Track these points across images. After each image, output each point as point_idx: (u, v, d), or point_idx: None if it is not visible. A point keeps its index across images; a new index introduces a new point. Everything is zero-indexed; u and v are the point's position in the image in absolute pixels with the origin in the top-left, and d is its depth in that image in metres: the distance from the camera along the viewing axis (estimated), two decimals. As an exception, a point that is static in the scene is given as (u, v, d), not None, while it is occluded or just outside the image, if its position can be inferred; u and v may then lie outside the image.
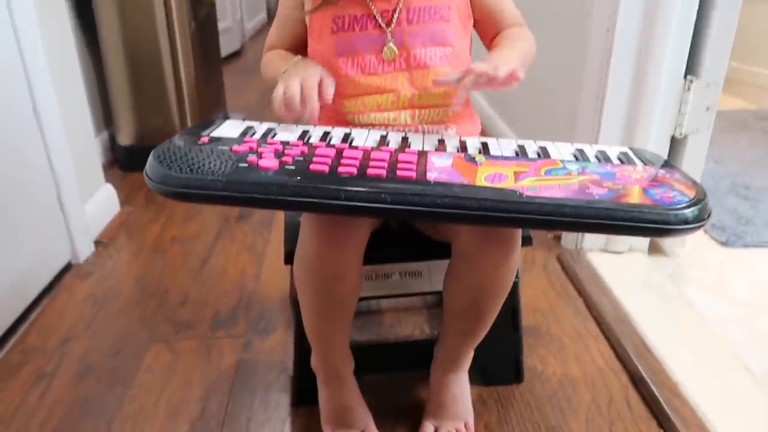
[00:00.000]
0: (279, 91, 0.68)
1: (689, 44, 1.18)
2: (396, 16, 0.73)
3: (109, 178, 1.60)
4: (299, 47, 0.82)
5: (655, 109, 1.20)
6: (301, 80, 0.68)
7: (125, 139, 1.86)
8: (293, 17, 0.81)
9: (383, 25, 0.73)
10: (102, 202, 1.51)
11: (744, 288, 1.22)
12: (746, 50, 2.54)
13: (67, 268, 1.31)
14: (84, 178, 1.41)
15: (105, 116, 1.93)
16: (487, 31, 0.82)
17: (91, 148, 1.52)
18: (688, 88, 1.20)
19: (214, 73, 2.22)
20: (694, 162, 1.27)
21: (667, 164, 0.67)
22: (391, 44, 0.73)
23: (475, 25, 0.81)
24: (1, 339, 1.07)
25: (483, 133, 0.83)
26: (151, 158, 0.61)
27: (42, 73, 1.22)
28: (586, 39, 1.27)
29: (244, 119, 0.78)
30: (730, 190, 1.64)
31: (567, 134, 1.40)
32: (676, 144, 1.26)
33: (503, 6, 0.81)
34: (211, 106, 2.12)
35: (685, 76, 1.20)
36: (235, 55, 3.86)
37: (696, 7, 1.14)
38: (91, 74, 1.84)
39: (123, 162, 1.89)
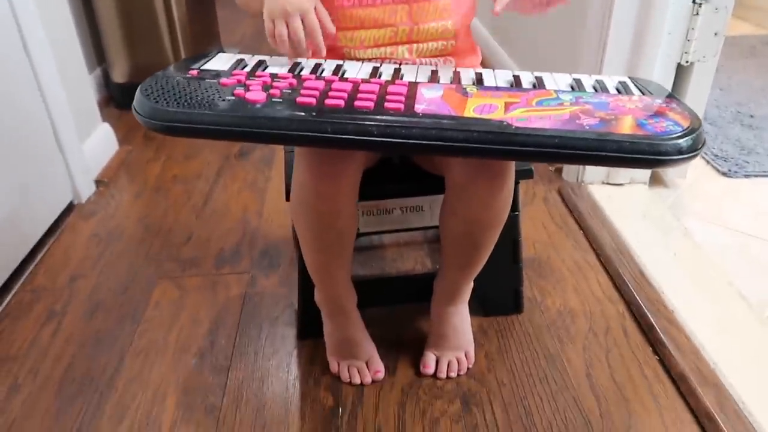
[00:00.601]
0: (281, 32, 0.64)
1: (699, -34, 1.13)
2: None
3: (105, 117, 1.58)
4: None
5: (662, 34, 1.17)
6: (300, 14, 0.64)
7: (119, 76, 1.82)
8: None
9: None
10: (100, 141, 1.50)
11: (744, 218, 1.23)
12: (759, -29, 2.44)
13: (70, 208, 1.32)
14: (80, 118, 1.39)
15: (97, 53, 1.88)
16: None
17: (86, 87, 1.49)
18: (697, 13, 1.16)
19: (206, 6, 2.14)
20: (699, 90, 1.25)
21: (669, 95, 0.66)
22: None
23: None
24: (10, 279, 1.09)
25: (483, 64, 0.81)
26: (138, 92, 0.60)
27: (31, 11, 1.18)
28: (592, -38, 1.22)
29: (239, 53, 0.76)
30: (734, 119, 1.62)
31: (570, 59, 1.36)
32: (681, 71, 1.23)
33: None
34: (205, 40, 2.06)
35: (693, 1, 1.16)
36: (228, -15, 3.72)
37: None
38: (80, 10, 1.78)
39: (118, 100, 1.86)
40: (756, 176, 1.36)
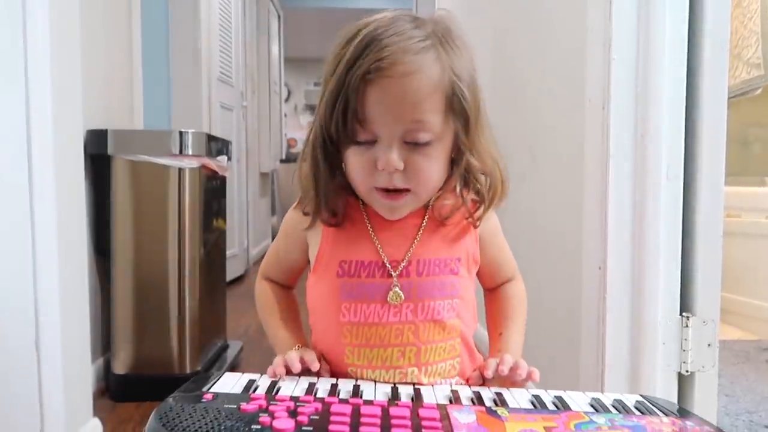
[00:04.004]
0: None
1: (679, 282, 1.23)
2: (404, 266, 0.73)
3: (97, 410, 1.52)
4: (295, 276, 0.86)
5: (657, 348, 1.20)
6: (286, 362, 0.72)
7: (120, 367, 1.82)
8: (294, 243, 0.82)
9: (392, 272, 0.73)
10: (85, 439, 1.42)
11: None
12: (733, 282, 2.64)
13: None
14: (72, 412, 1.34)
15: (103, 343, 1.92)
16: (487, 279, 0.86)
17: (85, 379, 1.47)
18: (686, 325, 1.22)
19: (218, 301, 2.25)
20: (706, 399, 1.23)
21: (685, 412, 0.66)
22: (397, 289, 0.73)
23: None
24: None
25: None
26: (152, 421, 0.57)
27: (51, 303, 1.23)
28: (580, 278, 1.33)
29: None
30: (749, 429, 1.57)
31: (572, 376, 1.38)
32: (684, 381, 1.24)
33: (506, 257, 0.85)
34: (211, 334, 2.11)
35: (681, 314, 1.23)
36: (239, 279, 3.98)
37: (680, 243, 1.22)
38: (96, 299, 1.87)
39: (114, 392, 1.81)
40: (789, 497, 1.25)
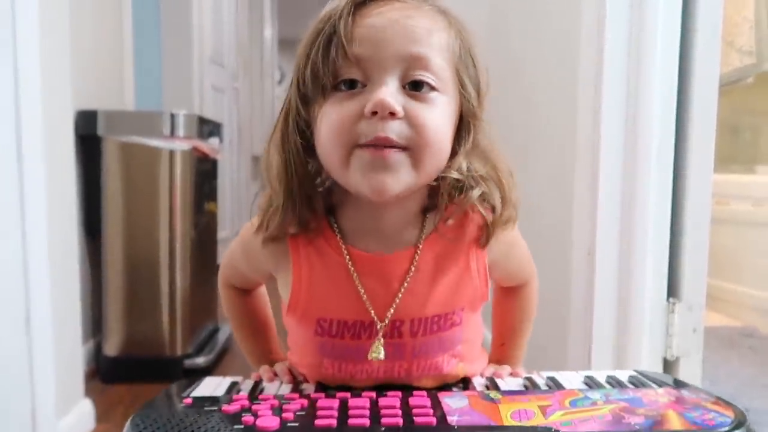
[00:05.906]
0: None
1: (667, 267, 1.24)
2: (392, 321, 0.62)
3: (88, 392, 1.53)
4: (261, 284, 0.76)
5: (643, 333, 1.22)
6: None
7: (111, 349, 1.82)
8: (257, 272, 0.70)
9: (380, 328, 0.61)
10: (77, 421, 1.42)
11: None
12: (720, 269, 2.67)
13: (25, 497, 1.19)
14: (63, 392, 1.35)
15: (93, 325, 1.92)
16: (497, 284, 0.79)
17: (76, 361, 1.48)
18: (672, 311, 1.24)
19: (209, 283, 2.25)
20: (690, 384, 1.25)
21: (680, 383, 0.66)
22: (380, 345, 0.61)
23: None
24: None
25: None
26: (128, 427, 0.53)
27: (42, 284, 1.24)
28: (570, 263, 1.34)
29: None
30: (731, 413, 1.60)
31: (560, 360, 1.40)
32: (669, 366, 1.26)
33: (521, 266, 0.76)
34: (202, 317, 2.12)
35: (667, 299, 1.24)
36: (230, 262, 3.97)
37: (668, 230, 1.23)
38: (87, 281, 1.87)
39: (105, 373, 1.82)
40: (768, 479, 1.28)
